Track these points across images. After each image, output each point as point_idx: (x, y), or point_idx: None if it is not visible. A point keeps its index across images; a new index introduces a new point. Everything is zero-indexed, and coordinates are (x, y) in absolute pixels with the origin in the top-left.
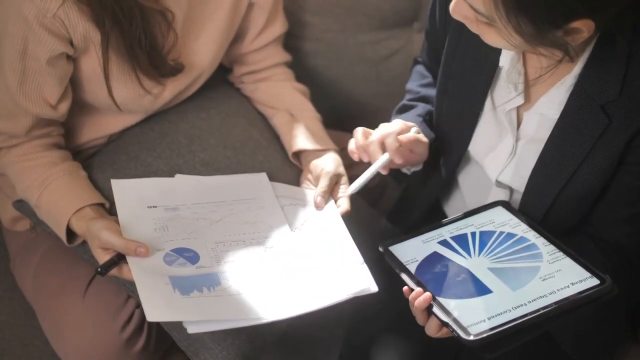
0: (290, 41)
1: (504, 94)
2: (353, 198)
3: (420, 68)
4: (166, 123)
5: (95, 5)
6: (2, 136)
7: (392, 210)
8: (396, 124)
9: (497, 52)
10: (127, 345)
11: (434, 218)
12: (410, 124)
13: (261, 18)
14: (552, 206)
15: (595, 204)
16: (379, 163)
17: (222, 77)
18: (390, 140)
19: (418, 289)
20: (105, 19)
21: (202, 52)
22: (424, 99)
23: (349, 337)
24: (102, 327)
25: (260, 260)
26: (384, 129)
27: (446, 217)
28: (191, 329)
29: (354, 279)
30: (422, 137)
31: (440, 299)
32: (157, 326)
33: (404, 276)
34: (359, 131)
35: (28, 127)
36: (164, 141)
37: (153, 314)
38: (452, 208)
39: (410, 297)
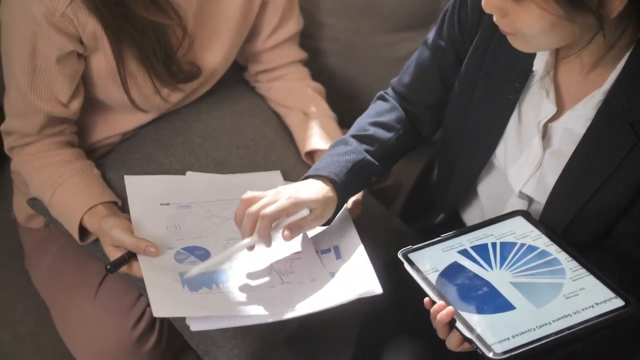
0: (307, 41)
1: (533, 102)
2: (366, 198)
3: (381, 105)
4: (180, 122)
5: (107, 23)
6: (14, 135)
7: (403, 208)
8: (279, 202)
9: (531, 56)
10: (139, 343)
11: (451, 224)
12: (304, 200)
13: (275, 16)
14: (574, 220)
15: (618, 219)
16: (241, 244)
17: (237, 76)
18: (262, 224)
19: (440, 303)
20: (117, 35)
21: (214, 52)
22: (368, 139)
23: (361, 337)
24: (114, 324)
25: (269, 259)
26: (259, 205)
27: (464, 224)
28: (194, 327)
29: (358, 280)
30: (314, 219)
31: (463, 314)
32: (169, 325)
33: (425, 287)
34: (244, 199)
35: (40, 126)
36: (177, 140)
37: (160, 310)
38: (470, 215)
39: (432, 310)
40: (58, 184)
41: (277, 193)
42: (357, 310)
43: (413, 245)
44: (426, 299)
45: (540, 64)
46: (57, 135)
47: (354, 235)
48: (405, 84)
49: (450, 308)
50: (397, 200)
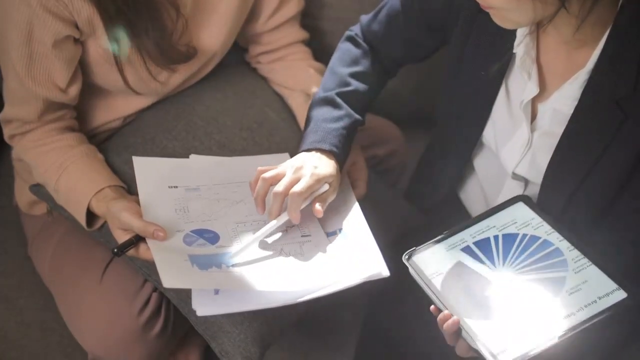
0: (309, 21)
1: (519, 83)
2: (371, 179)
3: (354, 50)
4: (182, 105)
5: (100, 3)
6: (15, 123)
7: (408, 189)
8: (305, 179)
9: (512, 38)
10: (144, 329)
11: (451, 204)
12: (325, 175)
13: None
14: (570, 200)
15: (615, 199)
16: (271, 225)
17: (238, 58)
18: (295, 203)
19: (446, 312)
20: (109, 11)
21: (213, 35)
22: (351, 96)
23: (368, 318)
24: (119, 311)
25: (279, 241)
26: (286, 184)
27: (462, 205)
28: (200, 311)
29: (365, 263)
30: (333, 191)
31: (468, 321)
32: (175, 310)
33: (430, 294)
34: (262, 179)
35: (40, 112)
36: (179, 123)
37: (169, 281)
38: (469, 196)
39: (439, 319)
40: (63, 168)
41: (296, 170)
42: (364, 291)
43: (416, 245)
44: (432, 307)
45: (519, 45)
46: (57, 120)
47: (359, 218)
48: (374, 32)
49: (455, 318)
50: (402, 180)
